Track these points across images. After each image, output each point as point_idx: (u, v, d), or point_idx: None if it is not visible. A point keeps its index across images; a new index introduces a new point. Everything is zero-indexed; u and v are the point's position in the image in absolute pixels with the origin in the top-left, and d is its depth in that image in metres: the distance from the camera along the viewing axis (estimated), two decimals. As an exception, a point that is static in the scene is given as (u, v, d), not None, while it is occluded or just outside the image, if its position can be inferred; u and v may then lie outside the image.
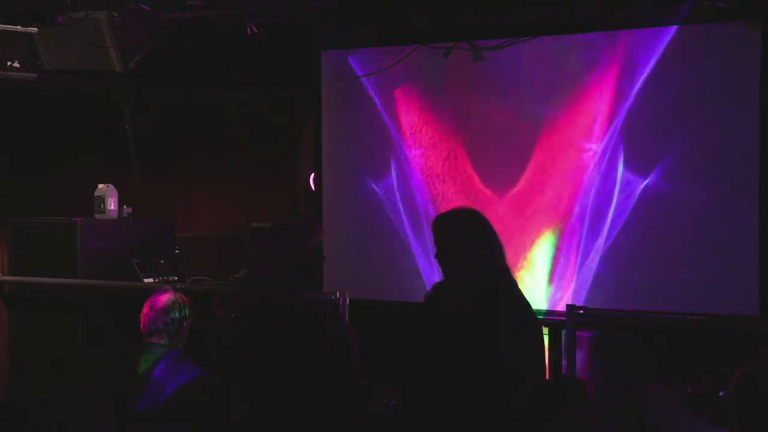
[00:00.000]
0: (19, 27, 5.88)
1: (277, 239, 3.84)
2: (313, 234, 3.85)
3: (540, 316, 5.34)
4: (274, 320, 3.74)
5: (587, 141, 5.79)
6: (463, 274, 3.81)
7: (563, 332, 5.28)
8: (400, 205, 6.36)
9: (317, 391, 3.65)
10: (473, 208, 4.06)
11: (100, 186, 6.54)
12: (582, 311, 5.19)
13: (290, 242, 3.80)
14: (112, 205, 6.49)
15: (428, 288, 4.11)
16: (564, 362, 5.22)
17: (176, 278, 6.36)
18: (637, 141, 5.65)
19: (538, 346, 3.91)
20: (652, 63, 5.59)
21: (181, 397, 4.35)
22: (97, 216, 6.49)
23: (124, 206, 6.55)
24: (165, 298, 4.60)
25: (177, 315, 4.55)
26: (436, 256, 3.89)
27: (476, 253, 3.80)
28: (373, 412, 4.11)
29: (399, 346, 4.09)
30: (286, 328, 3.70)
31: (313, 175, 7.04)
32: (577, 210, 5.82)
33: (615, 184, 5.72)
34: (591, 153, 5.78)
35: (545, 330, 5.42)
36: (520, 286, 3.92)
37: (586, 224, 5.80)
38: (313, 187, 7.10)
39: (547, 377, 4.31)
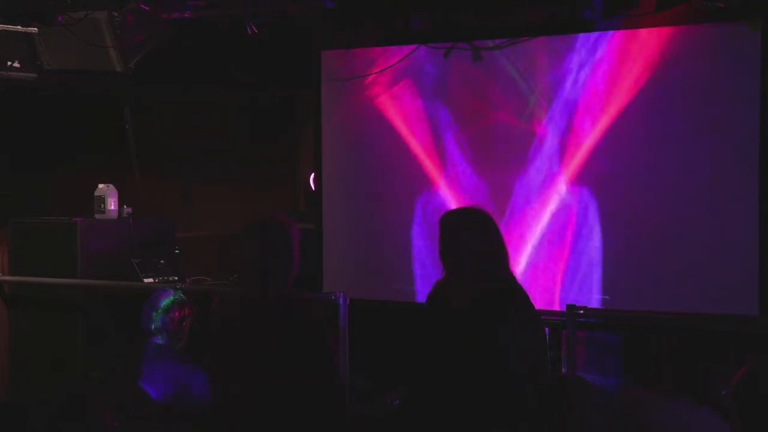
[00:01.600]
0: (19, 27, 5.88)
1: (253, 239, 3.88)
2: (287, 228, 3.88)
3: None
4: (264, 318, 3.77)
5: (586, 140, 5.79)
6: (467, 273, 3.82)
7: (563, 332, 5.27)
8: (401, 205, 6.35)
9: (309, 386, 3.67)
10: (481, 208, 4.05)
11: (100, 186, 6.54)
12: (582, 311, 5.19)
13: (267, 239, 3.83)
14: (112, 205, 6.48)
15: (429, 288, 4.11)
16: (564, 362, 5.22)
17: (176, 278, 6.36)
18: (636, 140, 5.65)
19: (542, 346, 3.92)
20: (651, 63, 5.59)
21: (181, 396, 4.35)
22: (97, 216, 6.49)
23: (124, 206, 6.55)
24: (165, 298, 4.61)
25: (177, 315, 4.56)
26: (441, 252, 3.89)
27: (481, 253, 3.81)
28: (375, 414, 4.12)
29: (400, 346, 4.09)
30: (275, 325, 3.73)
31: (313, 175, 7.04)
32: (576, 208, 5.82)
33: (614, 183, 5.71)
34: (590, 152, 5.78)
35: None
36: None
37: (586, 223, 5.80)
38: (313, 187, 7.09)
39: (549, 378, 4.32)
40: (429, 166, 6.27)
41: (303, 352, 3.70)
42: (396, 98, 6.36)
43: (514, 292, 3.82)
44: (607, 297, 5.71)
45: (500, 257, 3.87)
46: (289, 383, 3.67)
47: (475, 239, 3.83)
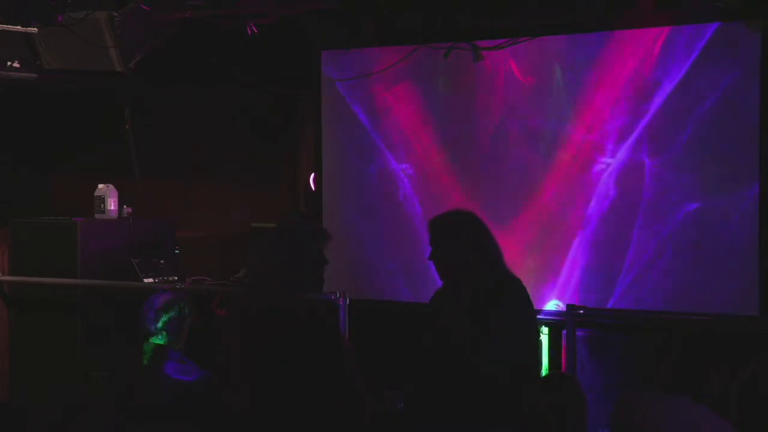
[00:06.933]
0: (19, 27, 5.87)
1: (284, 242, 3.83)
2: (320, 238, 3.85)
3: (540, 316, 5.35)
4: (274, 320, 3.74)
5: (585, 140, 5.79)
6: (461, 274, 3.83)
7: (563, 332, 5.28)
8: (400, 205, 6.35)
9: (318, 390, 3.65)
10: (470, 210, 4.06)
11: (100, 186, 6.54)
12: (582, 311, 5.20)
13: (298, 246, 3.79)
14: (112, 205, 6.49)
15: (429, 288, 4.12)
16: (564, 362, 5.22)
17: (176, 278, 6.36)
18: (635, 141, 5.65)
19: (537, 344, 3.95)
20: (651, 63, 5.59)
21: (181, 396, 4.35)
22: (97, 216, 6.49)
23: (124, 206, 6.56)
24: (164, 298, 4.61)
25: (177, 315, 4.55)
26: (431, 256, 3.90)
27: (473, 255, 3.82)
28: (379, 410, 4.12)
29: (400, 346, 4.09)
30: (286, 328, 3.71)
31: (313, 175, 7.04)
32: (575, 208, 5.82)
33: (614, 183, 5.71)
34: (589, 152, 5.78)
35: (545, 330, 5.43)
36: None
37: (585, 224, 5.80)
38: (313, 187, 7.10)
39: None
40: (430, 165, 6.27)
41: (317, 359, 3.67)
42: (396, 98, 6.36)
43: (502, 289, 3.83)
44: (604, 297, 5.71)
45: (491, 256, 3.88)
46: (302, 389, 3.64)
47: (466, 242, 3.85)
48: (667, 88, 5.56)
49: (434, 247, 3.91)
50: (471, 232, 3.89)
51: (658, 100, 5.59)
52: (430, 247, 3.93)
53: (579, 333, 5.20)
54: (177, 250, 6.61)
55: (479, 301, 3.79)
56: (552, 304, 5.79)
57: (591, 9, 5.66)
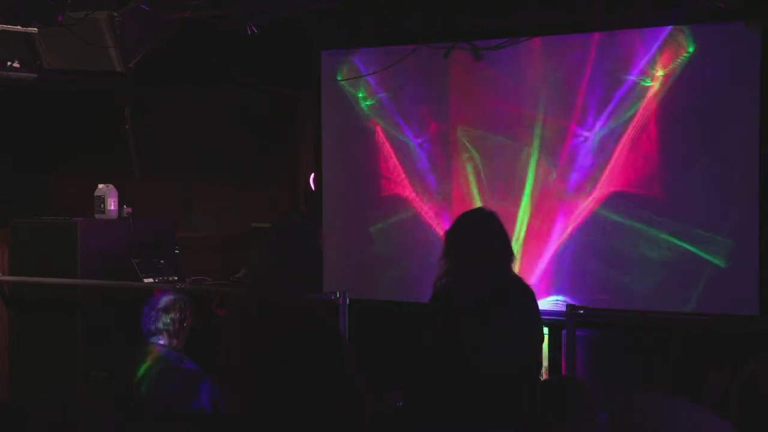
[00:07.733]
0: (19, 27, 5.88)
1: (284, 242, 3.83)
2: (316, 237, 3.86)
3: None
4: (274, 320, 3.74)
5: (586, 140, 5.79)
6: (470, 273, 3.83)
7: (563, 332, 5.28)
8: (401, 206, 6.35)
9: (318, 390, 3.65)
10: (484, 211, 4.04)
11: (100, 186, 6.54)
12: (582, 311, 5.19)
13: (297, 246, 3.79)
14: (112, 205, 6.49)
15: (429, 288, 4.11)
16: (564, 362, 5.22)
17: (176, 278, 6.36)
18: (636, 140, 5.65)
19: (537, 344, 3.95)
20: (651, 63, 5.59)
21: (181, 396, 4.35)
22: (97, 216, 6.49)
23: (124, 206, 6.56)
24: (165, 298, 4.61)
25: (177, 315, 4.55)
26: (446, 253, 3.90)
27: (479, 255, 3.82)
28: (379, 410, 4.12)
29: (400, 346, 4.09)
30: (286, 328, 3.71)
31: (313, 175, 7.05)
32: (575, 209, 5.82)
33: (614, 183, 5.71)
34: (590, 152, 5.78)
35: (545, 330, 5.43)
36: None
37: (585, 223, 5.80)
38: (313, 187, 7.10)
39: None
40: (429, 165, 6.27)
41: (317, 359, 3.67)
42: (396, 98, 6.36)
43: (508, 290, 3.83)
44: (605, 297, 5.71)
45: (503, 256, 3.88)
46: (302, 389, 3.64)
47: (479, 240, 3.85)
48: (667, 88, 5.56)
49: (446, 246, 3.91)
50: (480, 233, 3.89)
51: (657, 100, 5.59)
52: (444, 245, 3.93)
53: (579, 333, 5.19)
54: (177, 250, 6.62)
55: (482, 301, 3.79)
56: (551, 301, 5.80)
57: (591, 9, 5.65)
